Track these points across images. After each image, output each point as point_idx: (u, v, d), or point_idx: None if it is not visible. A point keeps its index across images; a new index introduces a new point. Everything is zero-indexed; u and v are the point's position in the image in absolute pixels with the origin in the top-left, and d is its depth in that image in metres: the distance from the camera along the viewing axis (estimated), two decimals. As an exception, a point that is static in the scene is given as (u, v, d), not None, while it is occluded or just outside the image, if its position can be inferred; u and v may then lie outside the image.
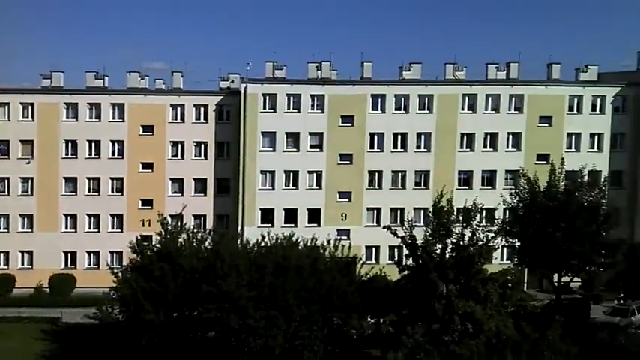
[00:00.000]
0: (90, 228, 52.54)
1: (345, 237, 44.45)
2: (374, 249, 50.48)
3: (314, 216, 51.09)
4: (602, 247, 38.96)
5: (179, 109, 52.11)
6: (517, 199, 41.09)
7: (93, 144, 52.06)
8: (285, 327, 30.57)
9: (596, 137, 52.42)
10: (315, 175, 51.31)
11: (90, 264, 52.39)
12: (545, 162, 46.68)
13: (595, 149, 52.25)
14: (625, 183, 52.40)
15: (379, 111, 51.35)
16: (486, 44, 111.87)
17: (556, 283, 40.79)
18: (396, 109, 51.58)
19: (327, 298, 31.66)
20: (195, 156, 52.18)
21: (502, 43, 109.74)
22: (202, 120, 52.15)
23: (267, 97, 50.94)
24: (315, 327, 30.98)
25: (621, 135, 52.58)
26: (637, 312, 39.47)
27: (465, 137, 51.86)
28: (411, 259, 33.68)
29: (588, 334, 31.39)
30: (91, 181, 52.34)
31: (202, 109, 52.17)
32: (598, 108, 52.48)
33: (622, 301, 44.31)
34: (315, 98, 51.19)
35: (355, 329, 32.75)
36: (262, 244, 34.43)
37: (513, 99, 52.06)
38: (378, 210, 51.26)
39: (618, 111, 52.58)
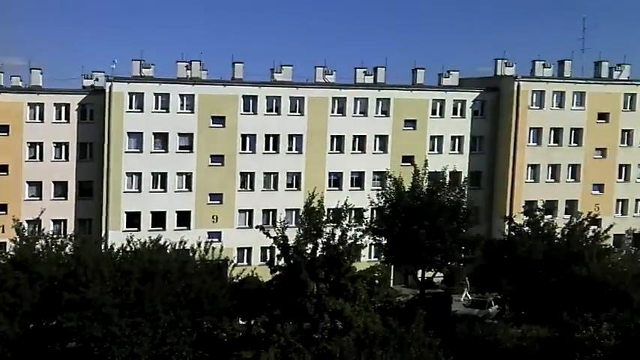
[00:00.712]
0: None
1: (217, 239, 43.65)
2: (246, 251, 50.19)
3: (183, 219, 49.89)
4: (462, 243, 41.32)
5: (38, 108, 48.84)
6: (384, 199, 42.68)
7: (-62, 145, 47.78)
8: (152, 334, 29.63)
9: (457, 140, 55.12)
10: (184, 176, 50.10)
11: None
12: (410, 163, 48.49)
13: (456, 151, 54.99)
14: (483, 183, 55.58)
15: (251, 112, 51.10)
16: (355, 49, 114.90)
17: (420, 279, 42.63)
18: (267, 111, 51.57)
19: (197, 302, 31.11)
20: (56, 157, 49.23)
21: (370, 48, 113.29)
22: (64, 120, 49.28)
23: (134, 97, 49.11)
24: (183, 332, 30.32)
25: (480, 138, 55.65)
26: (494, 304, 41.95)
27: (335, 139, 52.80)
28: (282, 259, 33.92)
29: (449, 326, 32.91)
30: (-64, 184, 48.00)
31: (64, 108, 49.28)
32: (459, 112, 55.20)
33: (467, 295, 47.18)
34: (185, 98, 50.04)
35: (226, 332, 32.47)
36: (128, 248, 33.33)
37: (380, 103, 53.65)
38: (250, 211, 50.97)
39: (477, 115, 55.57)
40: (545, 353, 28.20)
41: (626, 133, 56.18)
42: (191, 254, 33.79)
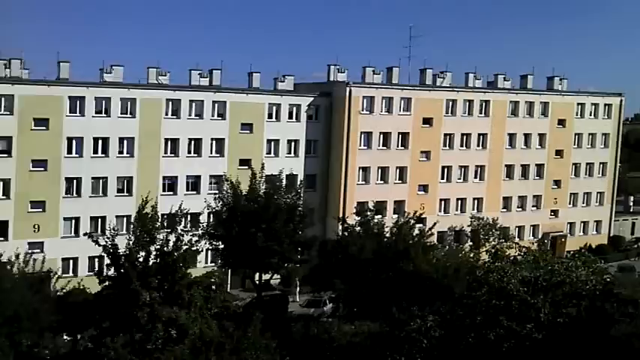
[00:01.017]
0: None
1: (39, 250, 40.78)
2: (72, 261, 47.15)
3: (0, 229, 45.85)
4: (298, 244, 42.04)
5: None
6: (221, 203, 42.23)
7: None
8: (-38, 357, 26.87)
9: (292, 143, 55.93)
10: (2, 183, 46.08)
11: None
12: (247, 167, 48.38)
13: (292, 154, 55.73)
14: (318, 185, 56.89)
15: (78, 114, 48.26)
16: (190, 51, 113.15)
17: (257, 282, 42.70)
18: (96, 113, 49.01)
19: (15, 319, 28.77)
20: None
21: (205, 50, 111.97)
22: None
23: (-58, 97, 44.51)
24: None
25: (315, 141, 56.92)
26: (329, 302, 42.98)
27: (170, 142, 51.41)
28: (113, 269, 32.31)
29: (286, 327, 33.17)
30: None
31: None
32: (294, 116, 56.10)
33: (297, 295, 48.15)
34: (3, 99, 46.14)
35: (48, 349, 30.29)
36: None
37: (216, 105, 53.07)
38: (77, 219, 48.00)
39: (312, 119, 56.81)
40: (376, 347, 29.21)
41: (448, 136, 60.34)
42: (8, 267, 31.39)
